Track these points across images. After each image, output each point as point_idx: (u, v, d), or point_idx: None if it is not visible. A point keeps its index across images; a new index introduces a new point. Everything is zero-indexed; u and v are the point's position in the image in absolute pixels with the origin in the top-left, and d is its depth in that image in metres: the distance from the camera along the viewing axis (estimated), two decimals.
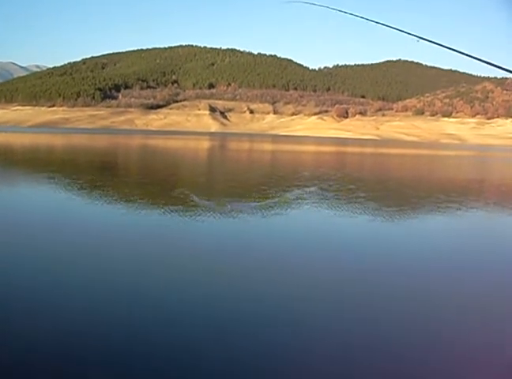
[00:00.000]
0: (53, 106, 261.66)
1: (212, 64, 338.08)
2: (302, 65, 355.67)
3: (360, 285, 10.81)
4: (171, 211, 18.39)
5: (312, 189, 26.14)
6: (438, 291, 10.53)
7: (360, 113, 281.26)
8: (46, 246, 13.46)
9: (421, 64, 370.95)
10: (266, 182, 28.82)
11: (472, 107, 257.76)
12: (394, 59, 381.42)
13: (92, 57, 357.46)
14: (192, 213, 18.01)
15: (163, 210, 18.57)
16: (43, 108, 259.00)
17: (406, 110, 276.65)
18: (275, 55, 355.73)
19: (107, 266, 11.73)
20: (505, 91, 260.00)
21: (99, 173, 34.16)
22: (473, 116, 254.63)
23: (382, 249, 14.70)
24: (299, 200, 22.00)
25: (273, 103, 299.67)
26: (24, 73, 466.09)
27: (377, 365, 7.12)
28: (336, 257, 13.44)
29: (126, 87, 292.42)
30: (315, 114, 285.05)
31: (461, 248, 15.54)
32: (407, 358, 7.54)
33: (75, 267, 11.39)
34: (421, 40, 4.79)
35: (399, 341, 8.15)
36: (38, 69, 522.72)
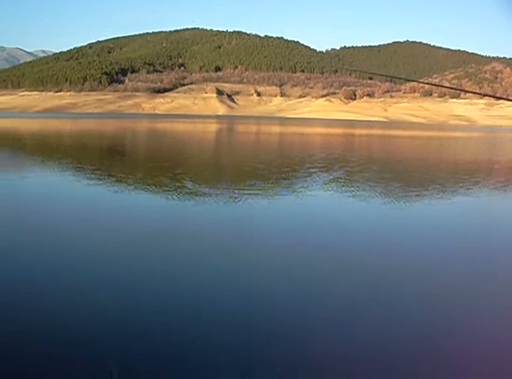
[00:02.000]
0: (60, 91, 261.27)
1: (219, 47, 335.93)
2: (309, 47, 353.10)
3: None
4: (214, 194, 18.49)
5: (339, 172, 25.99)
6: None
7: (368, 95, 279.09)
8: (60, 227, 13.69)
9: (429, 45, 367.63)
10: (290, 164, 28.93)
11: (480, 88, 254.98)
12: (402, 40, 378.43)
13: (98, 41, 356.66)
14: (233, 196, 18.11)
15: (204, 193, 18.73)
16: (50, 93, 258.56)
17: (414, 92, 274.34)
18: (282, 37, 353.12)
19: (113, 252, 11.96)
20: None
21: (118, 159, 34.25)
22: (482, 97, 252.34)
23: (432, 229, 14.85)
24: (334, 184, 21.83)
25: (280, 86, 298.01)
26: (30, 59, 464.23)
27: (378, 360, 7.07)
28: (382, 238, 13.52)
29: (133, 71, 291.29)
30: (323, 96, 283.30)
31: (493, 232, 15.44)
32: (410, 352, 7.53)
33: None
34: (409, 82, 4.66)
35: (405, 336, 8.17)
36: (44, 55, 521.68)
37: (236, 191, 18.86)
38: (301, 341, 7.36)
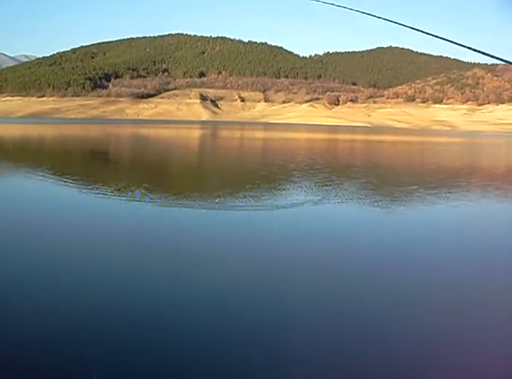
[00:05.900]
0: (43, 96, 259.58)
1: (203, 52, 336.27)
2: (292, 53, 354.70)
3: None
4: (247, 198, 19.16)
5: (361, 180, 26.16)
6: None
7: (351, 100, 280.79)
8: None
9: (412, 50, 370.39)
10: (301, 168, 29.56)
11: (462, 94, 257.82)
12: (385, 46, 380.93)
13: (82, 46, 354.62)
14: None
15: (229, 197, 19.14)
16: (32, 98, 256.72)
17: (397, 97, 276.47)
18: (265, 43, 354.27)
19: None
20: (495, 78, 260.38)
21: (114, 168, 34.16)
22: (464, 102, 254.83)
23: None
24: (368, 194, 21.98)
25: (264, 91, 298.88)
26: (12, 64, 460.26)
27: (376, 367, 7.09)
28: None
29: (117, 76, 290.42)
30: (306, 101, 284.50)
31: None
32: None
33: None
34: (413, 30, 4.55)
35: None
36: (27, 59, 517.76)
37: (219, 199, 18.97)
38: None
